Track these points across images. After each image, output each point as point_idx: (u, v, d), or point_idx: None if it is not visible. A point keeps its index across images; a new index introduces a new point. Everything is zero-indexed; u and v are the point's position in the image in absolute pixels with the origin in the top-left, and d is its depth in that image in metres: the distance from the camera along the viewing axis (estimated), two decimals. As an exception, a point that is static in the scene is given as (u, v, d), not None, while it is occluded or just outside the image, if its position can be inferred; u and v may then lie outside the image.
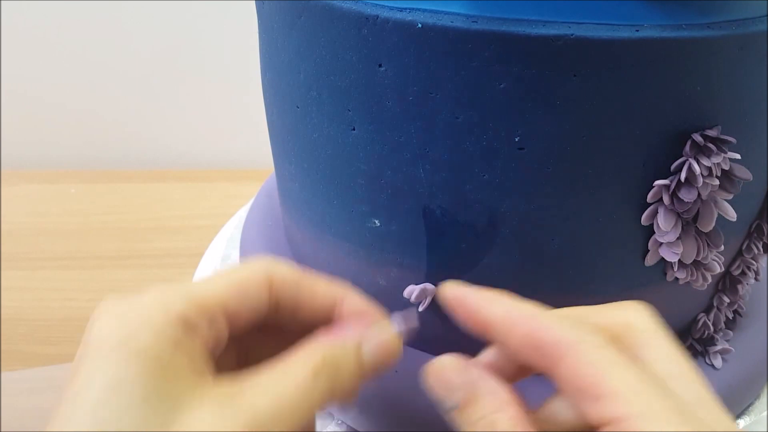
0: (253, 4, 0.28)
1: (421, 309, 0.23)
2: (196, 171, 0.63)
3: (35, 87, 0.61)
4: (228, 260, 0.36)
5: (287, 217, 0.30)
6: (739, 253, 0.26)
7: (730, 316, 0.28)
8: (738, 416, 0.28)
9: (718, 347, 0.27)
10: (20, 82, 0.61)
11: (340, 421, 0.26)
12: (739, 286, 0.27)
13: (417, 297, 0.23)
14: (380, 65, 0.20)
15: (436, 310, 0.24)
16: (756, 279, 0.27)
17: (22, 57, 0.60)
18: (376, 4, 0.19)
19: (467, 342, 0.25)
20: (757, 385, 0.28)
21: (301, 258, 0.30)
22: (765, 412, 0.28)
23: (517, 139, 0.20)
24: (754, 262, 0.26)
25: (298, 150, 0.25)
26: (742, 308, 0.29)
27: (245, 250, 0.33)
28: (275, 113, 0.27)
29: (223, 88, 0.62)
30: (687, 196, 0.20)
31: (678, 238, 0.21)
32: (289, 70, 0.24)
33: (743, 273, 0.26)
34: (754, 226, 0.25)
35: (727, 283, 0.27)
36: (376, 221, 0.23)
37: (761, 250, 0.26)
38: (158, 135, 0.65)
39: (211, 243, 0.40)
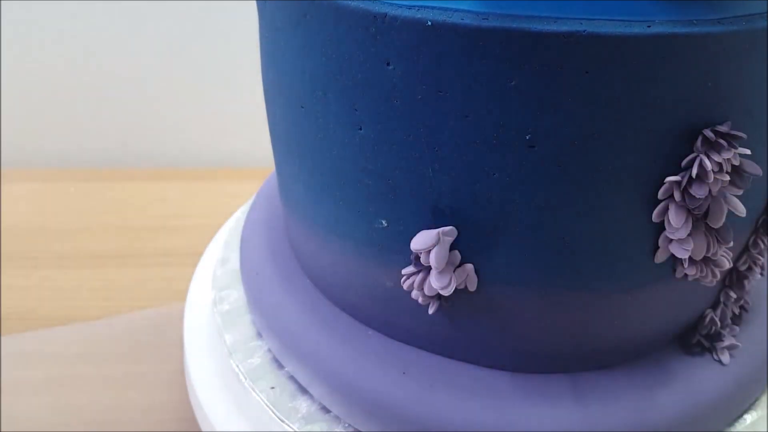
0: (252, 3, 0.27)
1: (431, 311, 0.23)
2: (196, 169, 0.63)
3: (35, 85, 0.61)
4: (227, 263, 0.36)
5: (290, 218, 0.30)
6: (746, 249, 0.26)
7: (737, 311, 0.28)
8: (745, 411, 0.28)
9: (726, 343, 0.27)
10: (20, 81, 0.60)
11: (347, 425, 0.26)
12: (746, 282, 0.27)
13: (424, 299, 0.23)
14: (388, 64, 0.20)
15: (445, 311, 0.24)
16: (761, 274, 0.27)
17: (22, 56, 0.59)
18: (385, 2, 0.19)
19: (476, 344, 0.25)
20: (763, 380, 0.28)
21: (304, 260, 0.30)
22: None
23: (528, 137, 0.19)
24: (760, 257, 0.26)
25: (302, 151, 0.25)
26: (748, 303, 0.29)
27: (246, 254, 0.33)
28: (278, 114, 0.27)
29: (222, 86, 0.62)
30: (698, 192, 0.20)
31: (688, 235, 0.21)
32: (293, 70, 0.23)
33: (750, 268, 0.26)
34: (760, 221, 0.25)
35: (734, 278, 0.27)
36: (384, 221, 0.23)
37: (767, 245, 0.26)
38: (158, 133, 0.65)
39: (210, 243, 0.40)
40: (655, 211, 0.21)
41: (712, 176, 0.20)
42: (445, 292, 0.22)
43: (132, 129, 0.64)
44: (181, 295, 0.36)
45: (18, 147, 0.63)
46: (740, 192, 0.21)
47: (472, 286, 0.23)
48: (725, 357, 0.26)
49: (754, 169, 0.21)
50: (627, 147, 0.20)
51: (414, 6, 0.19)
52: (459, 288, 0.22)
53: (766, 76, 0.20)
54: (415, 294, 0.23)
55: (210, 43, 0.60)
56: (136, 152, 0.65)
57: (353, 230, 0.25)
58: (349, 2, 0.20)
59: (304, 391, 0.28)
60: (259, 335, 0.31)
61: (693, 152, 0.20)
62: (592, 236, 0.22)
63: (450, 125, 0.20)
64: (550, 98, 0.19)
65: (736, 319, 0.28)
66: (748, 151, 0.20)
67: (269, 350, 0.30)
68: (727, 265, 0.23)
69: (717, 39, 0.19)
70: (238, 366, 0.30)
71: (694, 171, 0.20)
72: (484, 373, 0.25)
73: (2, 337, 0.41)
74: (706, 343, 0.27)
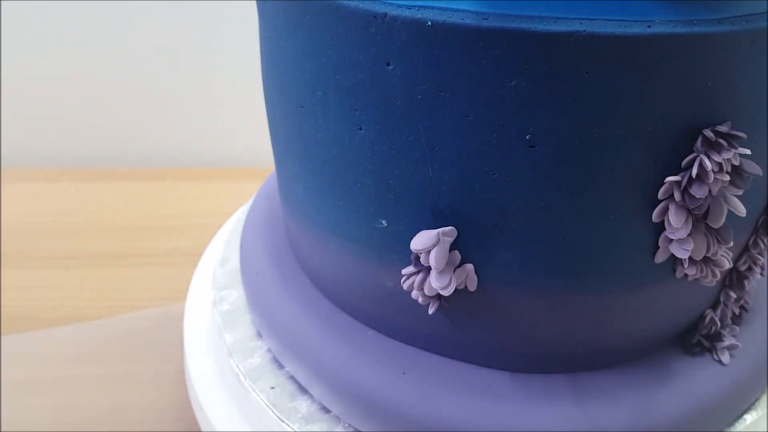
0: (252, 3, 0.27)
1: (431, 311, 0.23)
2: (196, 169, 0.63)
3: (35, 85, 0.61)
4: (227, 263, 0.36)
5: (290, 219, 0.30)
6: (746, 249, 0.26)
7: (737, 311, 0.28)
8: (745, 411, 0.28)
9: (726, 343, 0.27)
10: (20, 80, 0.60)
11: (347, 425, 0.26)
12: (746, 282, 0.27)
13: (424, 299, 0.23)
14: (388, 64, 0.20)
15: (445, 311, 0.24)
16: (761, 274, 0.27)
17: (22, 56, 0.59)
18: (385, 2, 0.19)
19: (476, 344, 0.25)
20: (763, 380, 0.28)
21: (304, 260, 0.30)
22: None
23: (528, 137, 0.19)
24: (760, 257, 0.26)
25: (302, 151, 0.25)
26: (748, 303, 0.29)
27: (246, 254, 0.33)
28: (278, 114, 0.27)
29: (222, 86, 0.62)
30: (698, 192, 0.20)
31: (688, 235, 0.21)
32: (293, 70, 0.23)
33: (750, 268, 0.26)
34: (760, 221, 0.25)
35: (734, 278, 0.27)
36: (384, 221, 0.23)
37: (767, 245, 0.26)
38: (158, 133, 0.65)
39: (210, 243, 0.40)
40: (655, 211, 0.21)
41: (712, 176, 0.20)
42: (445, 292, 0.22)
43: (132, 129, 0.64)
44: (181, 295, 0.36)
45: (18, 147, 0.63)
46: (740, 192, 0.21)
47: (472, 286, 0.23)
48: (725, 357, 0.26)
49: (754, 169, 0.21)
50: (627, 147, 0.20)
51: (414, 6, 0.19)
52: (459, 288, 0.22)
53: (766, 76, 0.20)
54: (415, 294, 0.23)
55: (210, 43, 0.60)
56: (136, 152, 0.65)
57: (353, 230, 0.25)
58: (349, 2, 0.20)
59: (304, 391, 0.28)
60: (259, 335, 0.31)
61: (693, 152, 0.20)
62: (592, 236, 0.22)
63: (450, 125, 0.20)
64: (550, 98, 0.19)
65: (736, 319, 0.28)
66: (748, 151, 0.20)
67: (269, 350, 0.30)
68: (727, 265, 0.23)
69: (717, 39, 0.19)
70: (238, 366, 0.29)
71: (694, 171, 0.20)
72: (484, 373, 0.25)
73: (2, 337, 0.41)
74: (706, 343, 0.27)
